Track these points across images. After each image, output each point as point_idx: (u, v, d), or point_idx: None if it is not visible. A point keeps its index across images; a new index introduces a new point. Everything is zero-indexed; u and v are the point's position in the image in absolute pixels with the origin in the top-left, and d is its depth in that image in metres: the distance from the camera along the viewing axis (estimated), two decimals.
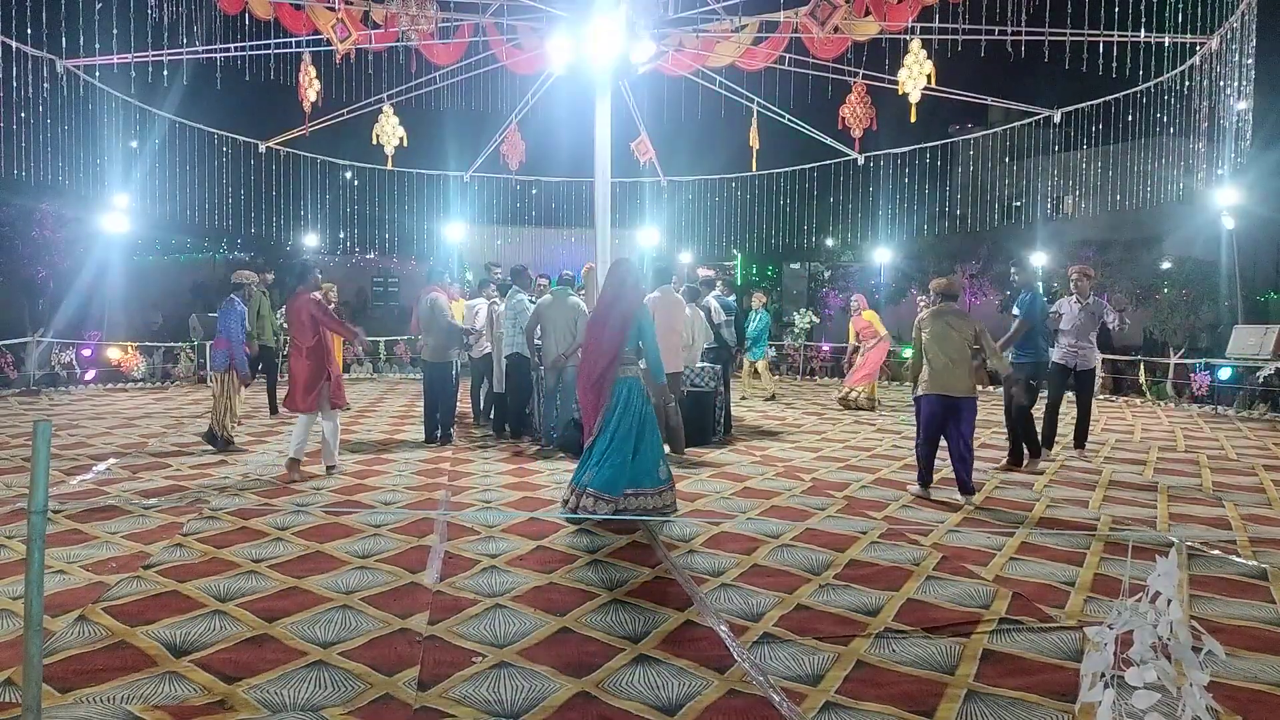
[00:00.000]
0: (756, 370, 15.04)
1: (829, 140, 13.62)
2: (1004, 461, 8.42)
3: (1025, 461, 8.28)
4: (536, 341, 9.05)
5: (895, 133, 13.97)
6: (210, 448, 8.90)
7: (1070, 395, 9.61)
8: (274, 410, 11.80)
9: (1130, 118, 11.75)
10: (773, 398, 14.61)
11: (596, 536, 5.60)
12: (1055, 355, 8.81)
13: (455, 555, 5.14)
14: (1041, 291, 8.29)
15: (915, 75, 10.26)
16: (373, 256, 34.07)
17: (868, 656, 3.69)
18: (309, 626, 3.96)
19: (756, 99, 12.97)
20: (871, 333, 13.64)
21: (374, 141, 12.94)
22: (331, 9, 10.37)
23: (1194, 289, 24.55)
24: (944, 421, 6.90)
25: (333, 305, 8.97)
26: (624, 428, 6.14)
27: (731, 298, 11.73)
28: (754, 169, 14.65)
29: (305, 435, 7.49)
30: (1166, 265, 27.07)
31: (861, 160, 14.36)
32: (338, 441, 7.85)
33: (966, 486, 6.77)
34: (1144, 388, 15.42)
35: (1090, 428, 9.29)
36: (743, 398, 14.30)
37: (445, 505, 6.46)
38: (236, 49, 11.21)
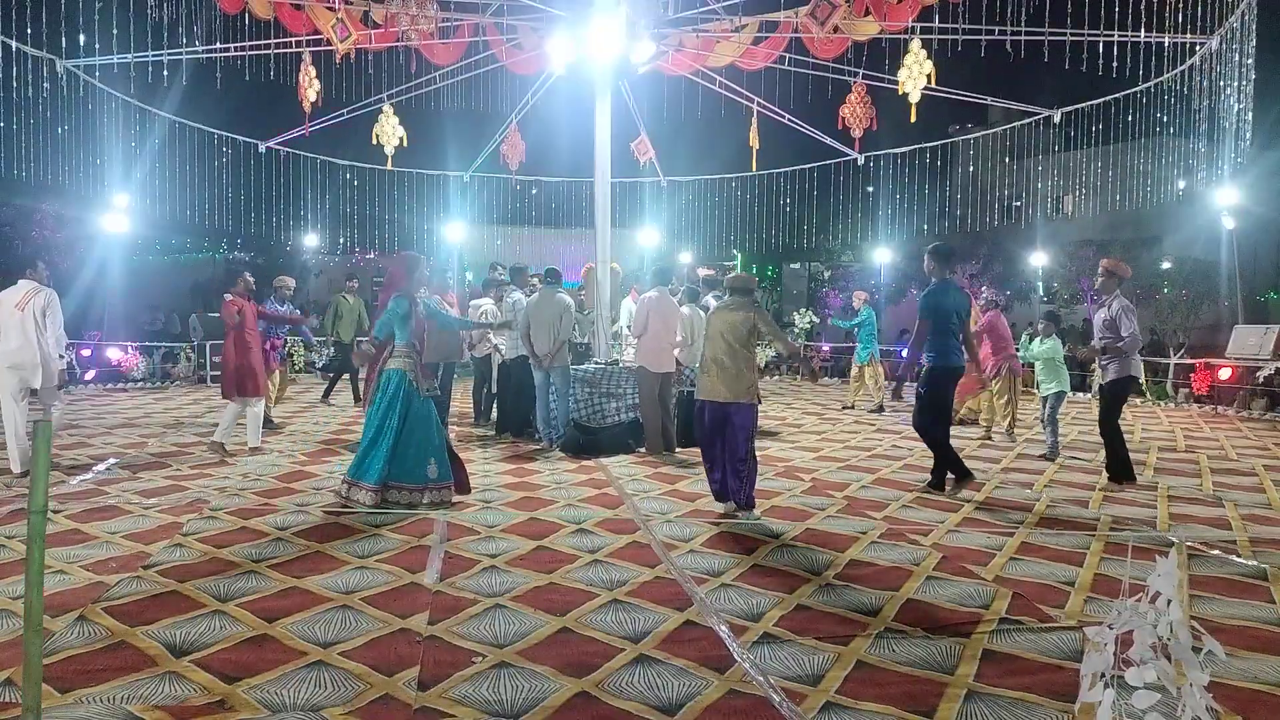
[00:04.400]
0: (864, 375, 13.38)
1: (829, 140, 13.63)
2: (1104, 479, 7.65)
3: (951, 484, 7.12)
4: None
5: (895, 133, 13.98)
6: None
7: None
8: (357, 400, 12.80)
9: (1130, 118, 11.76)
10: (879, 409, 12.88)
11: (596, 536, 5.60)
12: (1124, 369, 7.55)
13: (455, 555, 5.14)
14: (955, 285, 7.32)
15: (915, 75, 10.27)
16: (373, 256, 34.06)
17: (868, 656, 3.69)
18: (309, 626, 3.96)
19: (756, 99, 12.97)
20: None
21: (374, 141, 12.94)
22: (331, 9, 10.38)
23: (1194, 289, 24.54)
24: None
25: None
26: (390, 420, 6.33)
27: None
28: (754, 169, 14.66)
29: (233, 420, 8.66)
30: (1166, 265, 27.07)
31: (861, 160, 14.36)
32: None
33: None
34: (1144, 388, 15.43)
35: (1059, 439, 8.99)
36: (846, 407, 13.31)
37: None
38: (236, 49, 11.22)
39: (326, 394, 13.30)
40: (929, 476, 7.34)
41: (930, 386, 7.12)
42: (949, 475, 7.14)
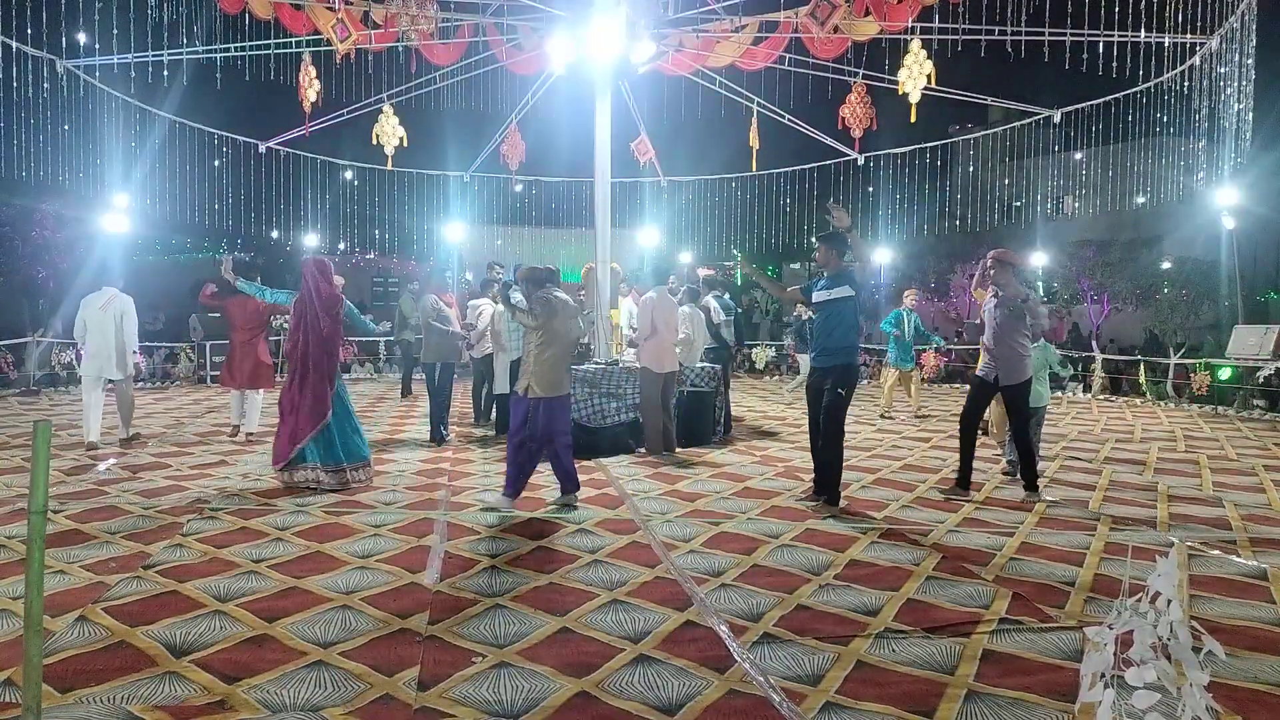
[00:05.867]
0: (901, 380, 12.55)
1: (829, 140, 13.63)
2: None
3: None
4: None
5: (895, 133, 13.98)
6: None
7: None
8: (405, 394, 14.51)
9: (1130, 118, 11.76)
10: (920, 416, 12.31)
11: (596, 536, 5.60)
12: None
13: (455, 555, 5.14)
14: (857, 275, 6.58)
15: (915, 75, 10.27)
16: (373, 256, 34.08)
17: (868, 656, 3.69)
18: (309, 626, 3.96)
19: (756, 99, 12.98)
20: None
21: (374, 141, 12.94)
22: (331, 9, 10.38)
23: (1194, 289, 24.57)
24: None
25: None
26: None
27: (727, 296, 11.73)
28: (754, 169, 14.66)
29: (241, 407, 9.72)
30: (1166, 265, 27.09)
31: (861, 160, 14.36)
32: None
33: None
34: (1144, 388, 15.43)
35: (1039, 459, 7.58)
36: (883, 415, 12.30)
37: (445, 505, 6.46)
38: (236, 49, 11.23)
39: (405, 389, 14.66)
40: (822, 494, 6.64)
41: (852, 387, 6.68)
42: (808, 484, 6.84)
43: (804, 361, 15.07)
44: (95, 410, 8.88)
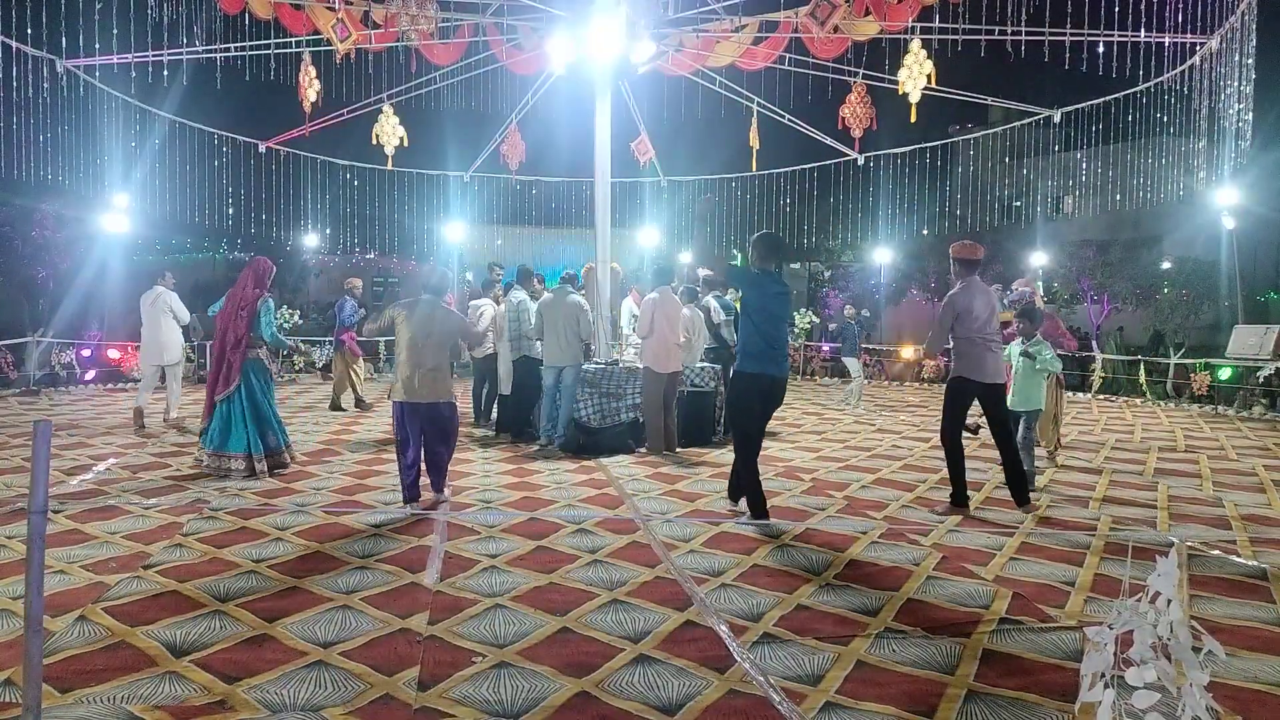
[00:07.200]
0: None
1: (829, 140, 13.63)
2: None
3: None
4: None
5: (895, 133, 13.98)
6: (342, 410, 12.13)
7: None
8: None
9: (1130, 118, 11.76)
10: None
11: (596, 536, 5.60)
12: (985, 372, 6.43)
13: (455, 555, 5.14)
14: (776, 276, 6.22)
15: (915, 75, 10.28)
16: (373, 256, 34.07)
17: (868, 656, 3.69)
18: (309, 626, 3.96)
19: (756, 99, 12.98)
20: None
21: (374, 141, 12.95)
22: (331, 9, 10.38)
23: (1194, 289, 24.55)
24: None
25: None
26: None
27: (728, 296, 11.72)
28: (754, 169, 14.66)
29: None
30: (1166, 265, 27.06)
31: (861, 160, 14.36)
32: None
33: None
34: (1144, 388, 15.43)
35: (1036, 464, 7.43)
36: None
37: (445, 505, 6.47)
38: (236, 49, 11.23)
39: None
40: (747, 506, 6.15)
41: (730, 392, 6.13)
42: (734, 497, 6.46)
43: (851, 364, 14.97)
44: (146, 392, 10.73)
